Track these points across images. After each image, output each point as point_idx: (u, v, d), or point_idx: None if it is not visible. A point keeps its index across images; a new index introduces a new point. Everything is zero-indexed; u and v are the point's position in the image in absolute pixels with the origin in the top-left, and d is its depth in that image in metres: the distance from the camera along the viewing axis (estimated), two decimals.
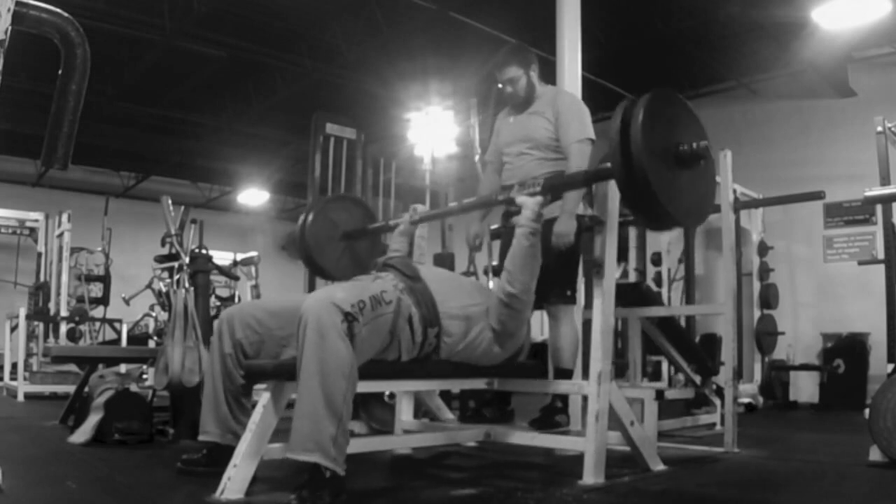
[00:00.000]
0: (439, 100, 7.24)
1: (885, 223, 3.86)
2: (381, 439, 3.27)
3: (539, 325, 4.25)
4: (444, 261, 5.63)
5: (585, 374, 3.02)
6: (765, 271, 7.20)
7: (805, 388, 7.08)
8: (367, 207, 3.73)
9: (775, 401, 6.67)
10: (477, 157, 5.98)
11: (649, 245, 7.10)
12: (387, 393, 3.72)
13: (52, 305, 7.71)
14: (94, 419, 3.48)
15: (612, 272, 2.76)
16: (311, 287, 4.89)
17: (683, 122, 2.49)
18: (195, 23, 6.81)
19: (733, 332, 3.67)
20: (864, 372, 6.41)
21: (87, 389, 4.02)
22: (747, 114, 8.20)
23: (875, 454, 2.98)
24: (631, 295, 4.14)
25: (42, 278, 8.31)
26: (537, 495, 2.39)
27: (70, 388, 5.38)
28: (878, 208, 4.83)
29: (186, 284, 3.72)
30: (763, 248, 7.22)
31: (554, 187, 2.81)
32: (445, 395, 4.00)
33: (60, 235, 7.90)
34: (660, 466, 2.87)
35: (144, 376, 5.23)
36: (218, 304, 5.94)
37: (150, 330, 7.22)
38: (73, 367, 6.25)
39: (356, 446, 2.70)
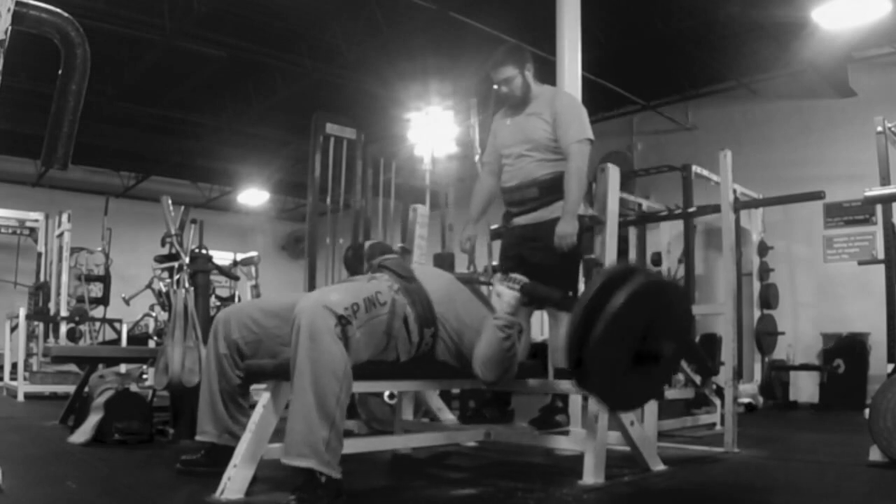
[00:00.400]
0: (439, 100, 7.24)
1: (885, 223, 3.86)
2: (381, 439, 3.27)
3: (539, 325, 4.25)
4: (444, 261, 5.62)
5: None
6: (765, 271, 7.20)
7: (805, 388, 7.08)
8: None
9: (775, 401, 6.67)
10: (477, 157, 5.97)
11: (649, 245, 7.09)
12: (387, 393, 3.72)
13: (52, 305, 7.71)
14: (94, 419, 3.49)
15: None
16: (312, 287, 4.89)
17: (665, 314, 2.32)
18: (195, 23, 6.81)
19: (733, 332, 3.67)
20: (864, 372, 6.41)
21: (87, 389, 4.02)
22: (747, 114, 8.20)
23: (875, 454, 2.98)
24: None
25: (42, 278, 8.31)
26: (537, 495, 2.39)
27: (70, 388, 5.38)
28: (878, 208, 4.83)
29: (186, 284, 3.72)
30: (763, 248, 7.23)
31: (531, 293, 2.66)
32: (445, 395, 4.00)
33: (60, 235, 7.90)
34: (660, 466, 2.87)
35: (144, 376, 5.22)
36: (218, 303, 5.94)
37: (150, 330, 7.21)
38: (73, 367, 6.25)
39: (356, 446, 2.71)
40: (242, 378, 2.62)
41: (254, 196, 12.49)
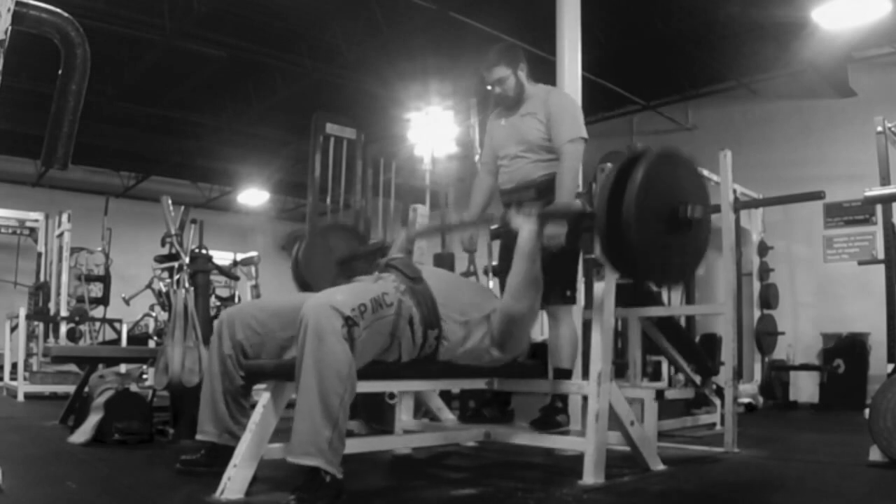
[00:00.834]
0: (439, 100, 7.24)
1: (885, 223, 3.86)
2: (381, 439, 3.27)
3: (539, 325, 4.24)
4: (444, 261, 5.63)
5: (585, 374, 3.03)
6: (765, 271, 7.20)
7: (805, 388, 7.08)
8: (358, 232, 3.76)
9: (775, 401, 6.67)
10: (477, 157, 5.97)
11: None
12: (387, 393, 3.71)
13: (52, 305, 7.71)
14: (94, 419, 3.48)
15: (612, 272, 2.76)
16: None
17: (683, 182, 2.44)
18: (195, 23, 6.81)
19: (733, 332, 3.67)
20: (864, 372, 6.41)
21: (87, 389, 4.02)
22: (747, 114, 8.20)
23: (875, 454, 2.98)
24: (631, 295, 4.14)
25: (42, 278, 8.32)
26: (537, 495, 2.39)
27: (70, 388, 5.38)
28: (878, 208, 4.83)
29: (186, 284, 3.72)
30: (763, 248, 7.22)
31: (548, 216, 2.86)
32: (445, 395, 3.99)
33: (60, 235, 7.90)
34: (660, 466, 2.87)
35: (144, 376, 5.22)
36: (218, 304, 5.94)
37: (150, 330, 7.22)
38: (73, 367, 6.25)
39: (356, 446, 2.71)
40: (245, 378, 2.62)
41: (254, 196, 12.49)
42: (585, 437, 2.65)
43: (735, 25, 6.78)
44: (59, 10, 2.14)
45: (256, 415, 2.35)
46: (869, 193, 3.39)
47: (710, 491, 2.71)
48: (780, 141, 7.76)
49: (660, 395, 3.36)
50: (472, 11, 6.49)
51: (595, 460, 2.58)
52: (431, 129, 7.18)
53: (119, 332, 7.63)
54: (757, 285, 7.16)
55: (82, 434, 3.47)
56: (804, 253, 7.65)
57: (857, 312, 6.73)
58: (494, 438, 3.17)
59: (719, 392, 3.98)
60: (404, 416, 3.48)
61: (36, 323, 7.78)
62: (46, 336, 7.68)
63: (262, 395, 2.39)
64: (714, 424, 4.24)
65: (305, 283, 3.45)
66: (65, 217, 7.88)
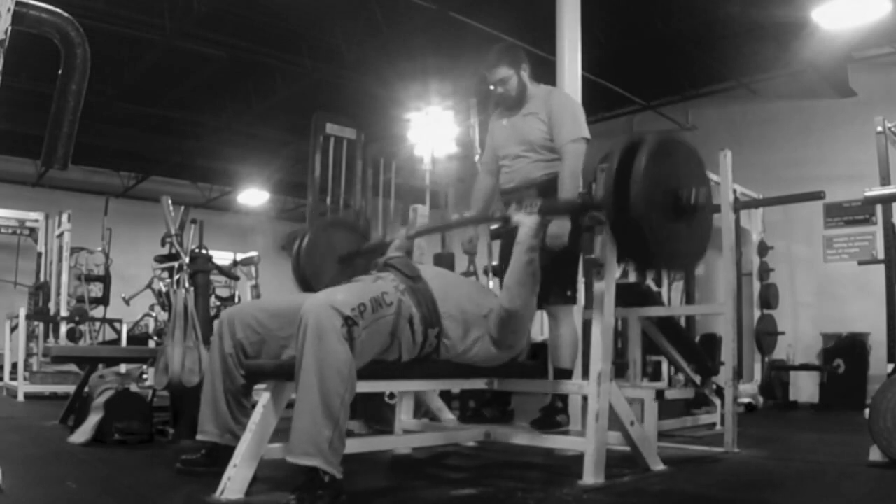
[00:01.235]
0: (439, 100, 7.25)
1: (885, 223, 3.86)
2: (381, 439, 3.27)
3: (539, 325, 4.25)
4: (444, 261, 5.64)
5: (585, 374, 3.03)
6: (765, 271, 7.20)
7: (805, 388, 7.08)
8: (359, 229, 3.76)
9: (775, 401, 6.67)
10: (477, 157, 5.98)
11: None
12: (387, 393, 3.71)
13: (52, 305, 7.71)
14: (94, 419, 3.48)
15: (612, 272, 2.76)
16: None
17: (684, 168, 2.46)
18: (195, 23, 6.81)
19: (733, 332, 3.67)
20: (864, 372, 6.42)
21: (87, 389, 4.02)
22: (747, 114, 8.20)
23: (875, 454, 2.98)
24: (631, 295, 4.14)
25: (42, 278, 8.32)
26: (537, 495, 2.39)
27: (70, 388, 5.38)
28: (878, 208, 4.83)
29: (186, 284, 3.72)
30: (763, 248, 7.22)
31: (550, 210, 2.85)
32: (445, 395, 3.99)
33: (60, 235, 7.90)
34: (660, 466, 2.87)
35: (144, 376, 5.22)
36: (218, 304, 5.93)
37: (150, 330, 7.22)
38: (73, 367, 6.25)
39: (356, 446, 2.70)
40: (246, 378, 2.62)
41: (254, 196, 12.50)
42: (585, 437, 2.65)
43: (735, 25, 6.78)
44: (59, 10, 2.14)
45: (256, 415, 2.35)
46: (869, 193, 3.39)
47: (710, 491, 2.71)
48: (780, 141, 7.76)
49: (660, 395, 3.36)
50: (472, 11, 6.49)
51: (595, 460, 2.58)
52: (431, 129, 7.18)
53: (119, 332, 7.62)
54: (757, 285, 7.16)
55: (82, 434, 3.47)
56: (804, 253, 7.65)
57: (857, 312, 6.73)
58: (494, 438, 3.17)
59: (719, 392, 3.98)
60: (404, 416, 3.48)
61: (36, 323, 7.78)
62: (46, 336, 7.67)
63: (263, 395, 2.39)
64: (714, 424, 4.23)
65: (306, 280, 3.45)
66: (65, 217, 7.88)
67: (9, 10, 1.92)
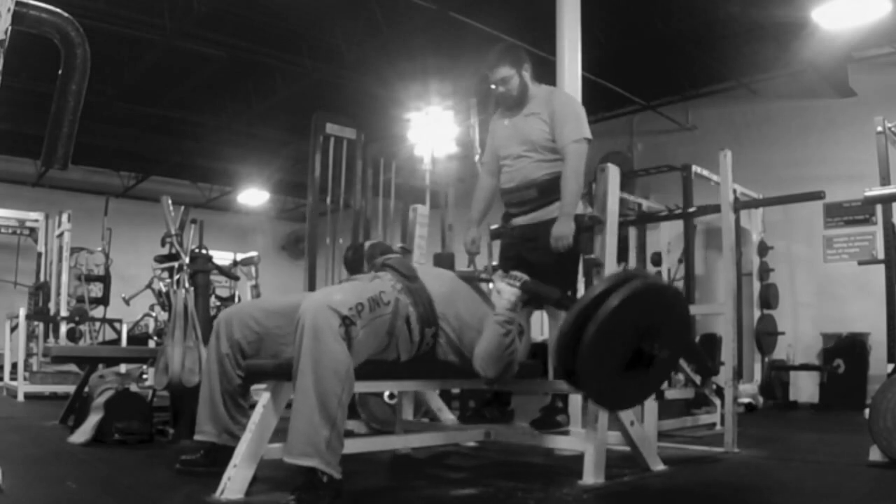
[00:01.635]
0: (439, 100, 7.23)
1: (885, 223, 3.86)
2: (381, 439, 3.27)
3: (539, 325, 4.25)
4: (444, 261, 5.62)
5: None
6: (765, 271, 7.20)
7: (805, 388, 7.08)
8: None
9: (775, 401, 6.67)
10: (477, 157, 5.97)
11: (649, 245, 7.10)
12: (387, 393, 3.72)
13: (52, 305, 7.71)
14: (94, 419, 3.49)
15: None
16: (312, 287, 4.89)
17: (660, 317, 2.33)
18: (195, 23, 6.81)
19: (733, 332, 3.67)
20: (864, 372, 6.41)
21: (87, 389, 4.02)
22: (747, 114, 8.20)
23: (875, 454, 2.98)
24: None
25: (42, 278, 8.31)
26: (537, 495, 2.39)
27: (70, 388, 5.38)
28: (878, 208, 4.83)
29: (186, 284, 3.72)
30: (763, 248, 7.22)
31: (531, 291, 2.69)
32: (445, 395, 4.00)
33: (60, 235, 7.90)
34: (660, 466, 2.87)
35: (144, 376, 5.22)
36: (218, 304, 5.93)
37: (150, 330, 7.21)
38: (73, 367, 6.25)
39: (356, 446, 2.71)
40: (243, 378, 2.62)
41: (254, 196, 12.49)
42: (585, 437, 2.65)
43: (735, 25, 6.77)
44: (59, 10, 2.14)
45: (256, 415, 2.35)
46: (869, 193, 3.40)
47: (710, 491, 2.71)
48: (780, 141, 7.76)
49: (660, 395, 3.36)
50: (472, 11, 6.49)
51: (595, 460, 2.58)
52: (431, 129, 7.17)
53: (119, 332, 7.63)
54: (757, 285, 7.16)
55: (82, 434, 3.47)
56: (804, 253, 7.65)
57: (857, 312, 6.73)
58: (494, 438, 3.17)
59: (719, 392, 3.98)
60: (404, 416, 3.48)
61: (36, 323, 7.78)
62: (46, 336, 7.68)
63: (262, 395, 2.39)
64: (714, 424, 4.24)
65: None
66: (65, 217, 7.88)
67: (9, 10, 1.92)
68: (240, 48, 7.46)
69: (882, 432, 2.92)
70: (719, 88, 8.33)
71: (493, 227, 3.80)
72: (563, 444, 3.10)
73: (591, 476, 2.56)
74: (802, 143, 7.62)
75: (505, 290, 2.64)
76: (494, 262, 4.10)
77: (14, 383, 6.95)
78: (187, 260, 3.82)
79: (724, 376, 3.69)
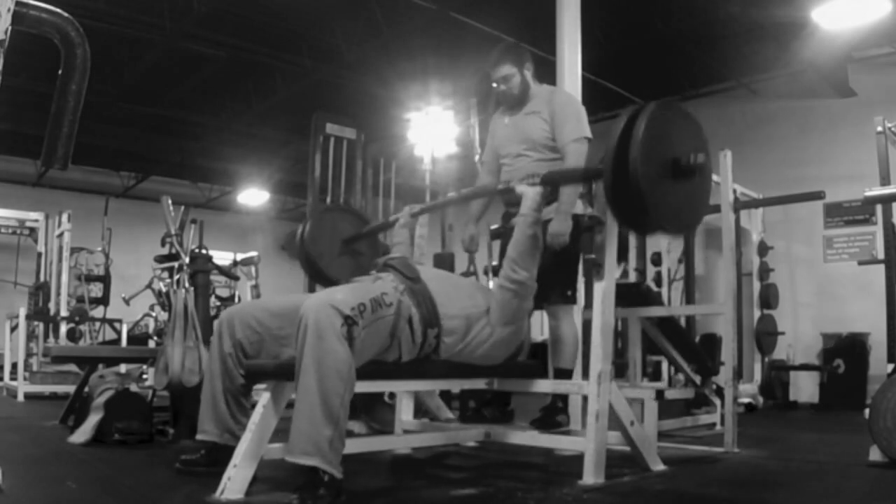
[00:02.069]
0: (439, 100, 7.24)
1: (885, 223, 3.86)
2: (381, 439, 3.27)
3: (539, 325, 4.25)
4: (444, 261, 5.63)
5: (585, 374, 3.03)
6: (765, 271, 7.20)
7: (805, 388, 7.08)
8: (360, 214, 3.79)
9: (775, 401, 6.67)
10: (477, 157, 5.98)
11: (649, 245, 7.10)
12: (387, 393, 3.72)
13: (52, 305, 7.71)
14: (94, 419, 3.48)
15: (612, 272, 2.76)
16: (312, 287, 4.89)
17: (684, 133, 2.53)
18: (195, 23, 6.81)
19: (733, 332, 3.67)
20: (864, 372, 6.41)
21: (87, 389, 4.02)
22: (747, 114, 8.20)
23: (875, 454, 2.98)
24: (631, 295, 4.14)
25: (42, 278, 8.31)
26: (537, 495, 2.39)
27: (70, 388, 5.38)
28: (878, 208, 4.83)
29: (186, 284, 3.72)
30: (763, 248, 7.23)
31: (553, 181, 2.87)
32: (445, 395, 4.00)
33: (60, 235, 7.90)
34: (660, 466, 2.87)
35: (144, 376, 5.22)
36: (218, 304, 5.94)
37: (150, 330, 7.22)
38: (73, 367, 6.25)
39: (356, 446, 2.71)
40: (245, 378, 2.62)
41: (254, 196, 12.50)
42: (585, 437, 2.65)
43: (735, 25, 6.78)
44: (59, 10, 2.14)
45: (256, 415, 2.35)
46: (869, 193, 3.40)
47: (710, 491, 2.71)
48: (780, 141, 7.76)
49: (660, 395, 3.36)
50: (472, 11, 6.49)
51: (595, 460, 2.58)
52: (431, 129, 7.18)
53: (119, 332, 7.62)
54: (757, 285, 7.16)
55: (82, 434, 3.47)
56: (804, 253, 7.65)
57: (857, 312, 6.73)
58: (494, 438, 3.17)
59: (719, 392, 3.98)
60: (404, 416, 3.48)
61: (36, 323, 7.78)
62: (46, 336, 7.67)
63: (262, 395, 2.39)
64: (714, 424, 4.23)
65: (311, 262, 3.47)
66: (65, 217, 7.88)
67: (9, 10, 1.92)
68: (240, 48, 7.47)
69: (882, 432, 2.92)
70: (719, 88, 8.33)
71: (494, 227, 3.80)
72: (563, 444, 3.10)
73: (591, 476, 2.56)
74: (802, 143, 7.62)
75: (528, 191, 2.76)
76: (494, 262, 4.11)
77: (14, 383, 6.95)
78: (187, 260, 3.82)
79: (724, 376, 3.69)
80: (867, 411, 3.01)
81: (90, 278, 8.54)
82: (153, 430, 3.61)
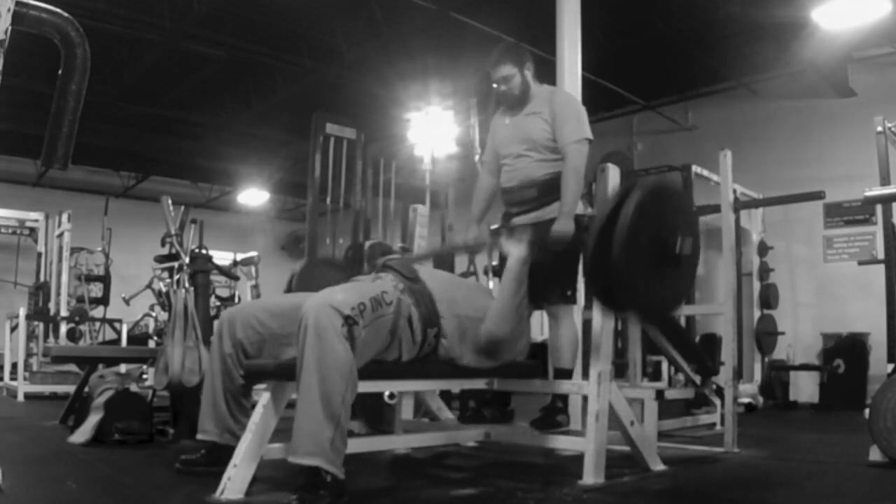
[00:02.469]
0: (439, 100, 7.23)
1: (885, 223, 3.86)
2: (381, 439, 3.27)
3: (539, 325, 4.25)
4: (444, 261, 5.62)
5: (585, 374, 3.03)
6: (765, 271, 7.20)
7: (805, 388, 7.08)
8: (343, 267, 3.90)
9: (775, 401, 6.67)
10: (477, 157, 5.97)
11: None
12: (387, 393, 3.71)
13: (52, 305, 7.71)
14: (94, 419, 3.49)
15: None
16: None
17: (675, 216, 2.48)
18: (195, 23, 6.81)
19: (733, 332, 3.68)
20: (864, 372, 6.41)
21: (87, 389, 4.02)
22: (747, 114, 8.20)
23: (875, 454, 2.98)
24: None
25: (42, 278, 8.32)
26: (537, 495, 2.39)
27: (70, 388, 5.38)
28: (878, 208, 4.83)
29: (186, 284, 3.72)
30: (763, 248, 7.23)
31: (541, 247, 2.91)
32: (445, 395, 3.99)
33: (60, 235, 7.90)
34: (660, 466, 2.87)
35: (144, 376, 5.22)
36: (218, 304, 5.93)
37: (150, 330, 7.21)
38: (73, 367, 6.25)
39: (356, 446, 2.70)
40: (246, 378, 2.62)
41: (254, 196, 12.49)
42: (585, 437, 2.65)
43: (735, 25, 6.77)
44: (59, 10, 2.14)
45: (256, 415, 2.36)
46: (869, 193, 3.39)
47: (710, 491, 2.71)
48: (780, 141, 7.76)
49: (660, 395, 3.36)
50: (472, 11, 6.49)
51: (595, 460, 2.58)
52: (431, 129, 7.17)
53: (119, 332, 7.63)
54: (757, 285, 7.16)
55: (82, 434, 3.47)
56: (804, 253, 7.65)
57: (857, 312, 6.73)
58: (494, 438, 3.17)
59: (719, 392, 3.98)
60: (404, 416, 3.48)
61: (36, 323, 7.78)
62: (46, 336, 7.67)
63: (263, 395, 2.39)
64: (714, 424, 4.23)
65: None
66: (65, 217, 7.88)
67: (9, 10, 1.92)
68: (240, 48, 7.46)
69: (882, 432, 2.92)
70: (719, 88, 8.33)
71: (494, 227, 3.80)
72: (563, 444, 3.10)
73: (591, 476, 2.56)
74: (802, 143, 7.62)
75: (514, 250, 2.81)
76: (494, 263, 4.11)
77: (14, 383, 6.95)
78: (187, 260, 3.82)
79: (724, 376, 3.69)
80: (867, 411, 3.01)
81: (90, 278, 8.55)
82: (153, 430, 3.61)
